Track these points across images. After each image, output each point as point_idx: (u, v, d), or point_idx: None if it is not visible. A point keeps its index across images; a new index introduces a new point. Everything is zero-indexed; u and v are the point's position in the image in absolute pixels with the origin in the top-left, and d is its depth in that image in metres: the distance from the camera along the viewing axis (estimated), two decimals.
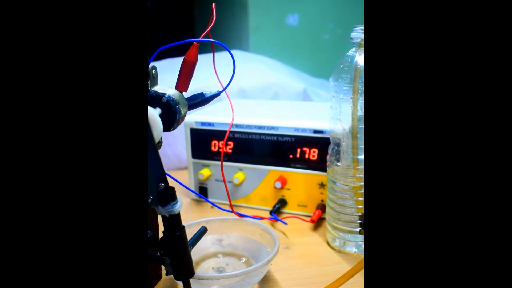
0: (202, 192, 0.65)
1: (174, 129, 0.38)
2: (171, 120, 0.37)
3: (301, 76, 1.09)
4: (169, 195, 0.33)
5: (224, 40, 1.75)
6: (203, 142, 0.63)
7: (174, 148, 0.80)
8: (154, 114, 0.33)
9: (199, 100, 0.42)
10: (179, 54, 0.76)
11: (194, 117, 0.62)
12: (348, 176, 0.50)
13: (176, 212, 0.33)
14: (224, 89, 0.43)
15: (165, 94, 0.37)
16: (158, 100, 0.36)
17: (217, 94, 0.42)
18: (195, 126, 0.62)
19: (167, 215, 0.33)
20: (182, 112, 0.38)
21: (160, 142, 0.39)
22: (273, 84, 0.88)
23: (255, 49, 1.49)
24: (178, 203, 0.33)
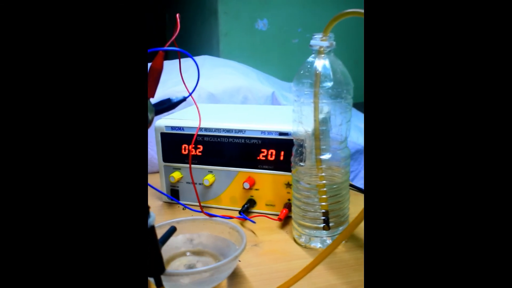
0: (174, 194, 0.67)
1: None
2: None
3: (270, 80, 1.12)
4: None
5: (195, 45, 1.77)
6: (173, 146, 0.64)
7: None
8: None
9: (166, 106, 0.44)
10: (149, 60, 0.77)
11: (165, 122, 0.64)
12: (312, 175, 0.53)
13: (148, 227, 0.35)
14: (190, 94, 0.45)
15: None
16: None
17: (183, 99, 0.44)
18: (165, 131, 0.64)
19: None
20: (150, 117, 0.40)
21: None
22: (242, 88, 0.90)
23: (225, 54, 1.52)
24: (151, 218, 0.35)
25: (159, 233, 0.44)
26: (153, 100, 0.42)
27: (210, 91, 0.87)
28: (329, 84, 0.48)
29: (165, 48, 0.41)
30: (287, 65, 1.49)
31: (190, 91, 0.46)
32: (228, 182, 0.63)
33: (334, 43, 0.48)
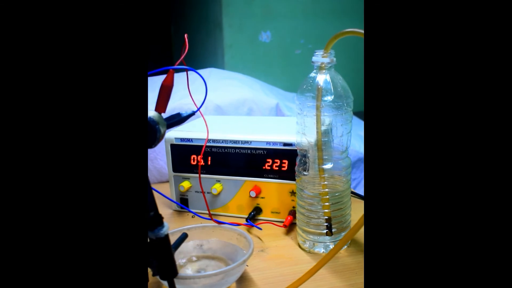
0: (183, 203, 0.70)
1: (155, 146, 0.43)
2: (152, 138, 0.42)
3: (274, 91, 1.15)
4: (156, 222, 0.38)
5: (201, 57, 1.81)
6: (182, 157, 0.68)
7: (155, 163, 0.85)
8: None
9: (176, 120, 0.47)
10: (157, 74, 0.81)
11: (174, 134, 0.67)
12: (315, 184, 0.56)
13: (163, 236, 0.38)
14: (198, 109, 0.48)
15: None
16: None
17: (192, 114, 0.47)
18: (175, 142, 0.67)
19: (154, 238, 0.38)
20: (162, 131, 0.43)
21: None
22: (247, 100, 0.94)
23: (230, 65, 1.56)
24: (165, 228, 0.38)
25: (171, 240, 0.46)
26: (164, 115, 0.45)
27: (217, 103, 0.90)
28: (330, 98, 0.51)
29: (175, 67, 0.45)
30: (290, 75, 1.53)
31: (197, 104, 0.49)
32: (235, 191, 0.66)
33: (334, 59, 0.52)
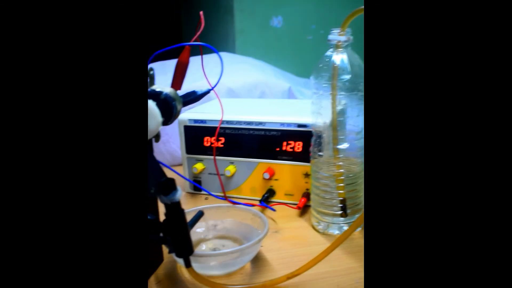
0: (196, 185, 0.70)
1: (171, 122, 0.43)
2: (168, 115, 0.42)
3: (286, 76, 1.14)
4: (170, 185, 0.38)
5: (211, 42, 1.79)
6: (196, 139, 0.67)
7: (168, 146, 0.85)
8: (153, 106, 0.38)
9: (192, 97, 0.47)
10: (169, 57, 0.81)
11: (188, 115, 0.67)
12: (330, 164, 0.55)
13: (177, 200, 0.38)
14: (213, 87, 0.48)
15: (162, 91, 0.41)
16: (156, 97, 0.41)
17: (208, 91, 0.47)
18: (188, 124, 0.67)
19: (169, 203, 0.38)
20: (178, 108, 0.43)
21: (158, 135, 0.44)
22: (260, 83, 0.93)
23: (241, 50, 1.54)
24: (179, 192, 0.38)
25: (187, 218, 0.46)
26: (179, 93, 0.44)
27: (229, 86, 0.90)
28: (347, 77, 0.51)
29: (191, 43, 0.44)
30: (301, 61, 1.51)
31: (210, 85, 0.49)
32: (248, 173, 0.66)
33: (351, 37, 0.51)
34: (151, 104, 0.38)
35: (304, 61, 1.47)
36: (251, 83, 0.92)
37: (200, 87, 0.87)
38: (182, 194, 0.38)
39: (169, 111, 0.42)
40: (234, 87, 0.90)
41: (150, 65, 0.42)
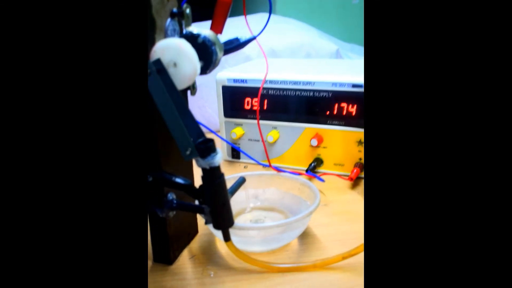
0: (234, 152, 0.64)
1: (210, 71, 0.37)
2: (207, 61, 0.36)
3: (331, 40, 1.05)
4: (209, 147, 0.31)
5: (250, 2, 1.70)
6: (235, 100, 0.61)
7: (203, 110, 0.79)
8: (189, 48, 0.31)
9: (235, 45, 0.40)
10: (203, 19, 0.73)
11: (226, 74, 0.60)
12: None
13: (217, 164, 0.32)
14: (258, 35, 0.41)
15: (200, 34, 0.35)
16: (193, 40, 0.35)
17: (252, 39, 0.41)
18: (227, 84, 0.60)
19: (208, 167, 0.32)
20: (219, 54, 0.36)
21: (195, 86, 0.38)
22: (305, 44, 0.85)
23: (282, 12, 1.45)
24: (218, 155, 0.32)
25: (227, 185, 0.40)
26: (221, 39, 0.38)
27: (271, 47, 0.82)
28: None
29: None
30: (346, 26, 1.40)
31: (252, 34, 0.42)
32: (293, 139, 0.59)
33: None
34: (186, 45, 0.31)
35: (349, 26, 1.37)
36: (295, 44, 0.84)
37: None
38: (221, 157, 0.32)
39: (208, 57, 0.35)
40: (277, 48, 0.82)
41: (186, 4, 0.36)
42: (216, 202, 0.34)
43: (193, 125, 0.32)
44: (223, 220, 0.34)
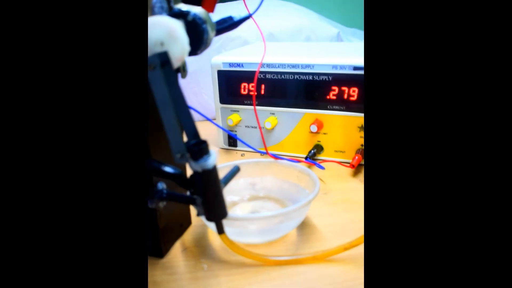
0: (231, 139, 0.61)
1: (201, 52, 0.34)
2: (197, 41, 0.33)
3: (332, 24, 1.02)
4: (202, 149, 0.29)
5: None
6: (231, 85, 0.58)
7: (200, 97, 0.76)
8: (177, 26, 0.29)
9: (228, 24, 0.37)
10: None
11: (222, 58, 0.58)
12: None
13: (210, 167, 0.30)
14: (254, 12, 0.38)
15: (190, 11, 0.32)
16: (182, 18, 0.32)
17: (247, 18, 0.38)
18: (222, 68, 0.58)
19: (200, 170, 0.30)
20: (210, 34, 0.34)
21: (185, 68, 0.35)
22: (305, 27, 0.82)
23: None
24: (212, 157, 0.29)
25: (220, 175, 0.38)
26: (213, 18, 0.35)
27: (269, 31, 0.79)
28: None
29: None
30: (347, 10, 1.37)
31: (249, 11, 0.39)
32: (292, 126, 0.57)
33: None
34: (175, 23, 0.29)
35: (351, 10, 1.33)
36: (295, 27, 0.81)
37: (232, 38, 0.77)
38: (216, 159, 0.30)
39: (198, 36, 0.33)
40: (275, 31, 0.79)
41: None
42: (208, 193, 0.32)
43: (190, 125, 0.30)
44: (215, 211, 0.32)
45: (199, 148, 0.29)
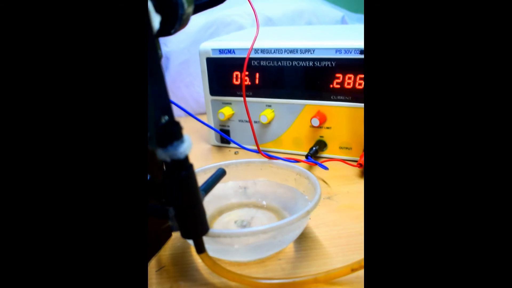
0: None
1: (175, 31, 0.28)
2: (171, 17, 0.27)
3: (336, 8, 0.95)
4: (172, 132, 0.23)
5: None
6: (222, 75, 0.52)
7: (192, 89, 0.70)
8: None
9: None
10: None
11: (211, 44, 0.51)
12: None
13: (181, 157, 0.23)
14: None
15: None
16: None
17: None
18: (212, 55, 0.51)
19: (169, 160, 0.23)
20: (186, 9, 0.27)
21: (160, 54, 0.29)
22: (306, 11, 0.75)
23: None
24: (185, 144, 0.23)
25: (203, 179, 0.32)
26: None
27: (267, 15, 0.72)
28: None
29: None
30: None
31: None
32: (291, 119, 0.50)
33: None
34: None
35: None
36: (295, 11, 0.74)
37: (231, 16, 0.71)
38: (190, 146, 0.23)
39: (171, 12, 0.27)
40: (273, 16, 0.73)
41: None
42: (183, 204, 0.25)
43: (161, 96, 0.23)
44: (193, 226, 0.26)
45: (167, 131, 0.22)
